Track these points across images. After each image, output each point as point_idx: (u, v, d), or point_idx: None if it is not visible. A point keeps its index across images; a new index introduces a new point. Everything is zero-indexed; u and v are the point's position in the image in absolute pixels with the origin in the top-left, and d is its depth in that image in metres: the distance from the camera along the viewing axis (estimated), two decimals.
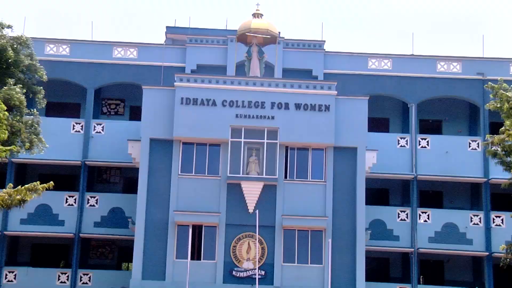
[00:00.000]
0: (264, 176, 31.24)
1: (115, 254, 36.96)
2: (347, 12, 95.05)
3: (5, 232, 34.42)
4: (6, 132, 24.88)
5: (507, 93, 24.57)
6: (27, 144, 28.15)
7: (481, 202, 35.79)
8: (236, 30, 34.63)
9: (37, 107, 29.84)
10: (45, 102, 30.71)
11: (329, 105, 31.75)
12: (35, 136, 28.57)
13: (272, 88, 32.22)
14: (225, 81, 32.56)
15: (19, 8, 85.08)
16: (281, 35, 35.75)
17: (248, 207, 31.02)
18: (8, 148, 25.38)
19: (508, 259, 26.23)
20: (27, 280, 34.24)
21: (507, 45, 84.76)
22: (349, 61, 37.70)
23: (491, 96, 25.82)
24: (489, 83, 26.07)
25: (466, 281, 36.20)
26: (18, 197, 22.72)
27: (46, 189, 23.38)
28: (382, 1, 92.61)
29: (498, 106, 24.85)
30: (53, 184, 22.98)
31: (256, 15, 33.60)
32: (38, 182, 22.77)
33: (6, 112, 24.48)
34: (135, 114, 35.83)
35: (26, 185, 22.85)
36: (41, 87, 29.95)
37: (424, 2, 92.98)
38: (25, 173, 34.89)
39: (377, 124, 35.96)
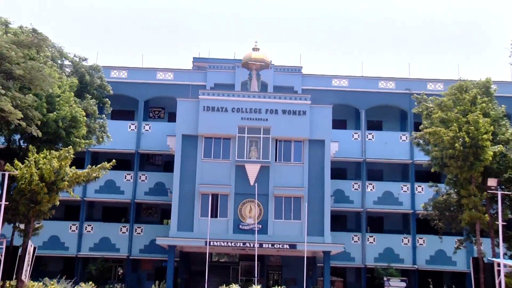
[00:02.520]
0: (260, 160, 32.56)
1: (159, 214, 38.88)
2: (321, 42, 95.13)
3: (85, 198, 36.10)
4: (85, 130, 26.67)
5: (427, 103, 24.84)
6: (99, 139, 29.76)
7: (408, 177, 37.80)
8: (241, 60, 36.81)
9: (105, 113, 31.73)
10: (111, 110, 32.61)
11: (305, 111, 33.10)
12: (104, 134, 30.05)
13: (266, 99, 33.70)
14: (233, 95, 34.01)
15: (90, 41, 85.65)
16: (272, 63, 37.89)
17: (250, 181, 32.25)
18: (86, 141, 27.54)
19: (425, 214, 26.57)
20: (99, 231, 36.13)
21: (427, 68, 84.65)
22: (319, 80, 39.35)
23: (415, 103, 26.44)
24: (415, 94, 27.47)
25: (397, 230, 38.16)
26: (94, 174, 23.99)
27: (112, 168, 24.79)
28: (346, 34, 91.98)
29: (420, 110, 25.32)
30: (115, 162, 24.86)
31: (255, 49, 35.91)
32: (105, 163, 24.12)
33: (85, 117, 26.68)
34: (172, 117, 37.56)
35: (99, 165, 24.36)
36: (108, 100, 31.58)
37: (372, 33, 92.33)
38: (97, 159, 36.45)
39: (338, 124, 37.81)
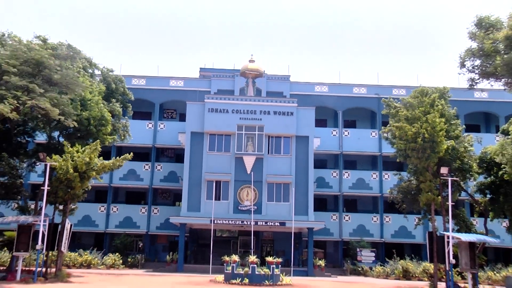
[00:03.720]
0: (256, 152, 32.90)
1: (172, 197, 38.83)
2: (306, 54, 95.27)
3: (111, 184, 36.62)
4: (110, 128, 26.51)
5: (395, 104, 24.74)
6: (122, 137, 29.70)
7: (377, 166, 38.21)
8: (239, 70, 37.17)
9: (127, 114, 31.70)
10: (132, 112, 32.59)
11: (292, 112, 33.54)
12: (126, 132, 29.90)
13: (260, 102, 33.97)
14: (233, 99, 34.37)
15: (116, 53, 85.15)
16: (265, 72, 38.22)
17: (247, 170, 32.57)
18: (112, 137, 27.56)
19: (391, 198, 26.94)
20: (123, 211, 36.57)
21: (392, 76, 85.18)
22: (304, 87, 39.76)
23: (384, 106, 26.03)
24: (383, 98, 26.88)
25: (368, 210, 38.63)
26: (118, 164, 23.97)
27: (133, 160, 25.40)
28: (326, 47, 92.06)
29: (388, 111, 25.29)
30: (133, 154, 24.70)
31: (251, 61, 35.95)
32: (127, 154, 24.17)
33: (111, 117, 26.73)
34: (182, 118, 38.04)
35: (122, 156, 24.30)
36: (130, 103, 31.54)
37: (348, 46, 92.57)
38: (121, 152, 35.25)
39: (319, 123, 38.09)
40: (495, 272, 29.15)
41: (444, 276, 23.44)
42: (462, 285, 22.58)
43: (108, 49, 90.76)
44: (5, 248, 29.36)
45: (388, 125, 25.25)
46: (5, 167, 23.38)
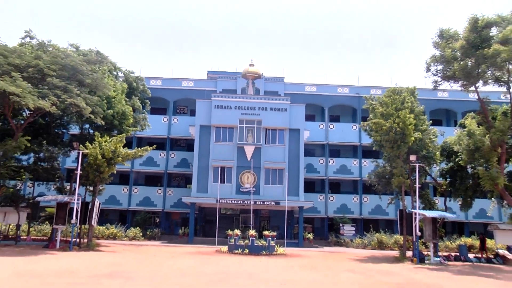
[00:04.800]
0: (255, 143, 32.92)
1: (184, 180, 39.07)
2: (298, 58, 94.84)
3: (132, 169, 36.52)
4: (131, 121, 26.73)
5: (372, 102, 24.80)
6: (142, 127, 29.87)
7: (357, 154, 38.40)
8: (241, 72, 37.10)
9: (146, 110, 31.47)
10: (150, 107, 32.56)
11: (286, 108, 33.57)
12: (145, 123, 29.94)
13: (258, 100, 33.92)
14: (236, 97, 34.22)
15: (137, 57, 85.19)
16: (263, 74, 37.96)
17: (247, 158, 32.72)
18: (133, 129, 28.05)
19: (369, 181, 27.21)
20: (143, 192, 36.55)
21: (372, 77, 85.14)
22: (296, 87, 39.75)
23: (365, 102, 26.04)
24: (364, 95, 26.49)
25: (349, 191, 38.87)
26: (139, 153, 24.21)
27: (151, 149, 24.87)
28: (315, 52, 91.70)
29: (368, 107, 25.38)
30: (155, 147, 25.25)
31: (251, 65, 35.90)
32: (147, 146, 24.30)
33: (132, 112, 26.92)
34: (192, 113, 37.82)
35: (142, 148, 24.43)
36: (148, 100, 31.43)
37: (334, 52, 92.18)
38: (141, 142, 37.15)
39: (309, 117, 38.09)
40: (451, 241, 29.97)
41: (411, 246, 23.74)
42: (425, 253, 22.82)
43: (131, 54, 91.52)
44: (47, 222, 30.10)
45: (367, 120, 24.95)
46: (45, 154, 23.72)
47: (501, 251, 24.34)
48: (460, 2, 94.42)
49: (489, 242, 26.53)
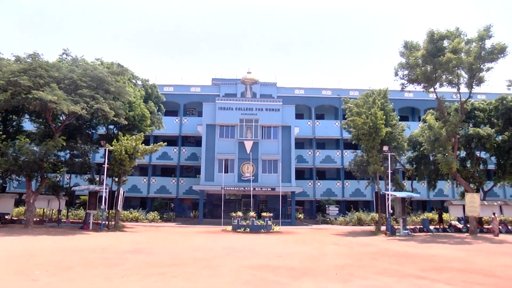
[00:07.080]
0: (253, 138, 32.78)
1: (194, 171, 38.75)
2: (288, 65, 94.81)
3: (150, 163, 36.58)
4: (149, 122, 26.70)
5: (349, 104, 25.19)
6: (158, 127, 29.56)
7: (340, 146, 38.15)
8: (240, 79, 37.70)
9: (161, 111, 31.13)
10: (164, 110, 32.03)
11: (279, 109, 33.52)
12: (160, 124, 29.64)
13: (255, 102, 33.87)
14: (236, 100, 34.20)
15: (152, 66, 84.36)
16: (259, 80, 38.08)
17: (247, 151, 32.61)
18: (150, 128, 27.84)
19: (349, 168, 27.57)
20: (159, 182, 36.46)
21: (350, 78, 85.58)
22: (287, 90, 39.61)
23: (344, 103, 26.32)
24: (342, 98, 26.87)
25: (334, 178, 38.85)
26: (155, 148, 24.21)
27: (165, 145, 25.18)
28: (304, 59, 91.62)
29: (345, 107, 25.74)
30: (166, 143, 25.30)
31: (248, 72, 36.58)
32: (162, 142, 25.12)
33: (149, 114, 26.76)
34: (200, 114, 38.47)
35: (157, 143, 24.48)
36: (162, 104, 31.27)
37: (319, 59, 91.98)
38: (157, 139, 36.90)
39: (298, 116, 38.64)
40: (416, 216, 30.52)
41: (385, 222, 23.85)
42: (396, 227, 23.40)
43: (146, 64, 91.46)
44: (81, 208, 30.66)
45: (345, 118, 25.13)
46: (79, 151, 24.00)
47: (453, 222, 25.09)
48: (420, 15, 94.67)
49: (445, 215, 27.25)
